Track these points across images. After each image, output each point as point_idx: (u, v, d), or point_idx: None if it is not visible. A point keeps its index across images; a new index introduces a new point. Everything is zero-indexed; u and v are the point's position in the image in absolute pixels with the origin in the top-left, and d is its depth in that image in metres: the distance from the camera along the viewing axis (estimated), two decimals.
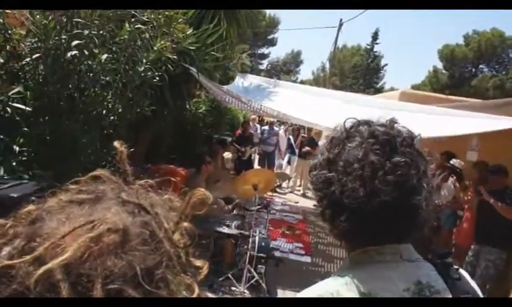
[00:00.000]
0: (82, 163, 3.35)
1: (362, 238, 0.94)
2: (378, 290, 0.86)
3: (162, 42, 4.02)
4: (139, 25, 3.70)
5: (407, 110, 6.05)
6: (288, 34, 73.01)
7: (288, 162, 10.94)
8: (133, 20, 3.79)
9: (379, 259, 0.91)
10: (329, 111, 5.75)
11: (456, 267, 0.98)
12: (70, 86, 3.36)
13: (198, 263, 0.56)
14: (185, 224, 0.56)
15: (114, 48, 3.66)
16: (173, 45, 4.25)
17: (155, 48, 3.98)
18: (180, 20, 4.30)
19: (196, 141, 7.42)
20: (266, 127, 10.67)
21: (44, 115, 3.27)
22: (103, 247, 0.44)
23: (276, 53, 58.71)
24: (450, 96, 10.68)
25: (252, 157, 9.80)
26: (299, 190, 10.57)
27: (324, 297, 0.86)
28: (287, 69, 45.88)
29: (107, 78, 3.74)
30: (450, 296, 0.90)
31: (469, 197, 5.10)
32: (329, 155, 0.94)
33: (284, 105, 5.88)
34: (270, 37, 39.57)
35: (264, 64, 42.48)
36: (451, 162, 5.72)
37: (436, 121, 5.52)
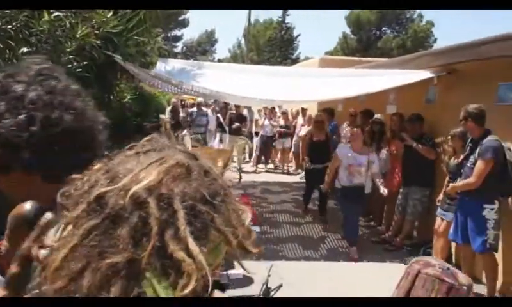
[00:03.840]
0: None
1: None
2: None
3: (84, 28, 3.82)
4: (58, 13, 3.47)
5: (328, 76, 6.44)
6: (200, 14, 71.47)
7: (221, 141, 10.99)
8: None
9: None
10: (258, 85, 5.88)
11: None
12: None
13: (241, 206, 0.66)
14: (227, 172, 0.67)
15: (33, 40, 3.41)
16: (95, 31, 4.06)
17: (77, 35, 3.78)
18: None
19: (127, 132, 7.16)
20: (194, 109, 10.58)
21: None
22: (174, 175, 0.55)
23: (190, 34, 57.43)
24: (363, 58, 11.41)
25: (183, 141, 9.71)
26: (235, 167, 10.71)
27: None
28: (202, 49, 45.25)
29: None
30: None
31: (394, 151, 5.62)
32: None
33: (213, 85, 5.89)
34: (181, 18, 38.53)
35: (179, 46, 41.46)
36: (375, 116, 6.22)
37: (355, 82, 5.95)
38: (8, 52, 3.26)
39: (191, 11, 32.09)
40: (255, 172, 10.48)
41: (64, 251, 0.51)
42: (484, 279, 4.18)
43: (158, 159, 0.56)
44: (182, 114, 10.25)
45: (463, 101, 4.21)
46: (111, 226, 0.51)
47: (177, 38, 40.34)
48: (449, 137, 4.69)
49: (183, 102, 16.59)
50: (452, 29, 63.42)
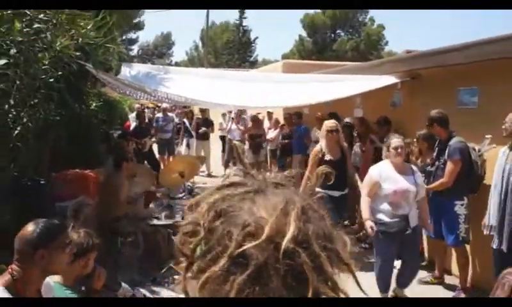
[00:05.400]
0: None
1: None
2: None
3: (64, 40, 3.73)
4: (38, 25, 3.37)
5: (293, 82, 6.58)
6: (155, 16, 70.24)
7: (188, 146, 10.92)
8: (26, 19, 3.43)
9: None
10: (228, 91, 5.89)
11: None
12: None
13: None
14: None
15: (11, 52, 3.29)
16: (74, 42, 3.97)
17: (56, 47, 3.68)
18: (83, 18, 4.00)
19: (94, 140, 6.99)
20: (160, 115, 10.45)
21: None
22: (304, 220, 0.56)
23: (145, 37, 56.25)
24: (329, 62, 11.73)
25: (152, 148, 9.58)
26: (203, 172, 10.67)
27: None
28: (159, 52, 44.54)
29: (1, 86, 3.37)
30: None
31: (364, 150, 5.89)
32: None
33: (188, 92, 5.87)
34: (136, 20, 37.65)
35: (134, 49, 40.54)
36: (345, 120, 6.46)
37: (322, 88, 6.14)
38: None
39: (146, 13, 31.36)
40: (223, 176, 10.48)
41: None
42: (453, 271, 4.50)
43: (286, 204, 0.57)
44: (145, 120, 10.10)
45: (427, 105, 4.50)
46: (259, 277, 0.52)
47: (133, 41, 39.40)
48: (415, 139, 4.99)
49: (142, 107, 16.29)
50: (402, 31, 66.45)
